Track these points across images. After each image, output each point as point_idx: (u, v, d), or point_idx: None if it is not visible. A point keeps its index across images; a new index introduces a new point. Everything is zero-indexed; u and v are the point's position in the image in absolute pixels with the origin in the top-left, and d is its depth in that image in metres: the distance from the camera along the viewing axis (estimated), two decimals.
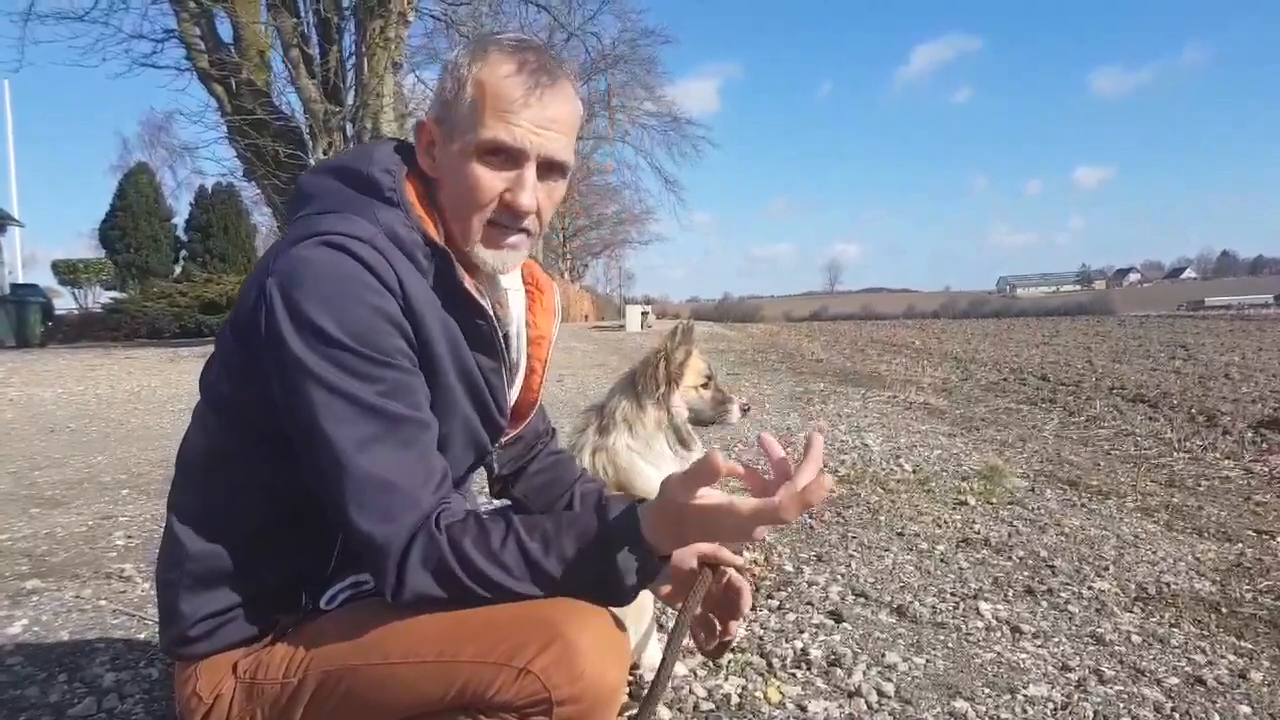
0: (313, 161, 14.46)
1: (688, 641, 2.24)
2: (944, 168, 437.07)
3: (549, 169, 1.29)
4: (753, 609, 2.74)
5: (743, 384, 10.46)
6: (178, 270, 31.10)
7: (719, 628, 1.43)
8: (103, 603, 2.84)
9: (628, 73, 36.47)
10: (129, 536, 3.68)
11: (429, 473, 1.18)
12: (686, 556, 1.44)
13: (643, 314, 28.24)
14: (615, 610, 1.99)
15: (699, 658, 2.35)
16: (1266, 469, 5.52)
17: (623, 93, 37.58)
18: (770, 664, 2.34)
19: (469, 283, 1.28)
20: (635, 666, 2.18)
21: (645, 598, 2.13)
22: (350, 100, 14.95)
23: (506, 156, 1.26)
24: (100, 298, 29.50)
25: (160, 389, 9.99)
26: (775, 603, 2.83)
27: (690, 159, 42.39)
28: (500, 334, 1.37)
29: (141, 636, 2.53)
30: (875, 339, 21.98)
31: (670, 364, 2.32)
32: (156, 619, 2.56)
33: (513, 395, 1.51)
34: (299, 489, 1.20)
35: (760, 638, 2.52)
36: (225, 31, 14.89)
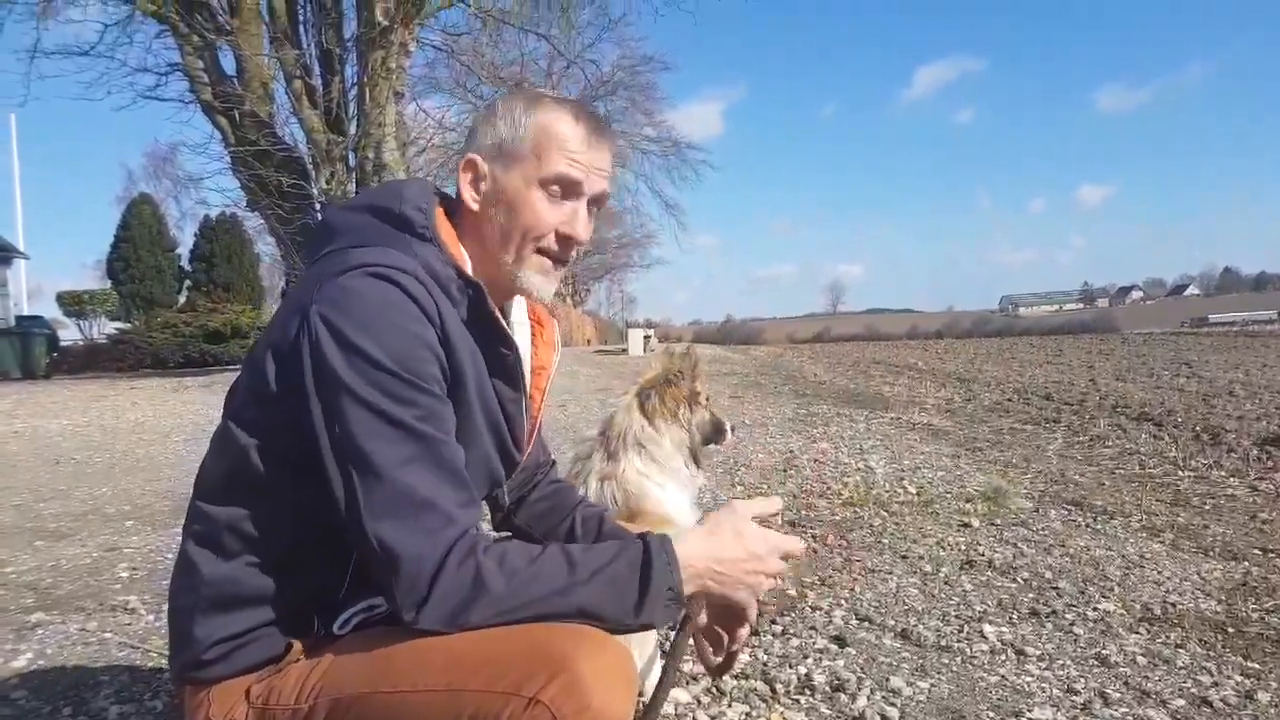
0: (315, 191, 14.60)
1: (693, 665, 2.24)
2: (947, 188, 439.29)
3: (594, 206, 1.43)
4: (756, 635, 2.74)
5: (746, 407, 10.46)
6: (182, 300, 31.26)
7: (725, 638, 1.47)
8: (108, 635, 2.84)
9: (627, 99, 36.92)
10: (133, 568, 3.69)
11: (463, 495, 1.22)
12: None
13: (645, 337, 28.30)
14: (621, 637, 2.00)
15: (703, 684, 2.35)
16: (1272, 486, 5.50)
17: (622, 119, 37.98)
18: (774, 690, 2.33)
19: (499, 314, 1.36)
20: (639, 693, 2.18)
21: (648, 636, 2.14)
22: (353, 130, 15.10)
23: (565, 191, 1.38)
24: (105, 328, 29.62)
25: (164, 420, 10.02)
26: (779, 628, 2.82)
27: (691, 182, 42.85)
28: (522, 365, 1.45)
29: (146, 669, 2.53)
30: (878, 360, 21.99)
31: (688, 383, 2.35)
32: (160, 651, 2.58)
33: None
34: (323, 512, 1.23)
35: (764, 663, 2.52)
36: (228, 64, 15.12)
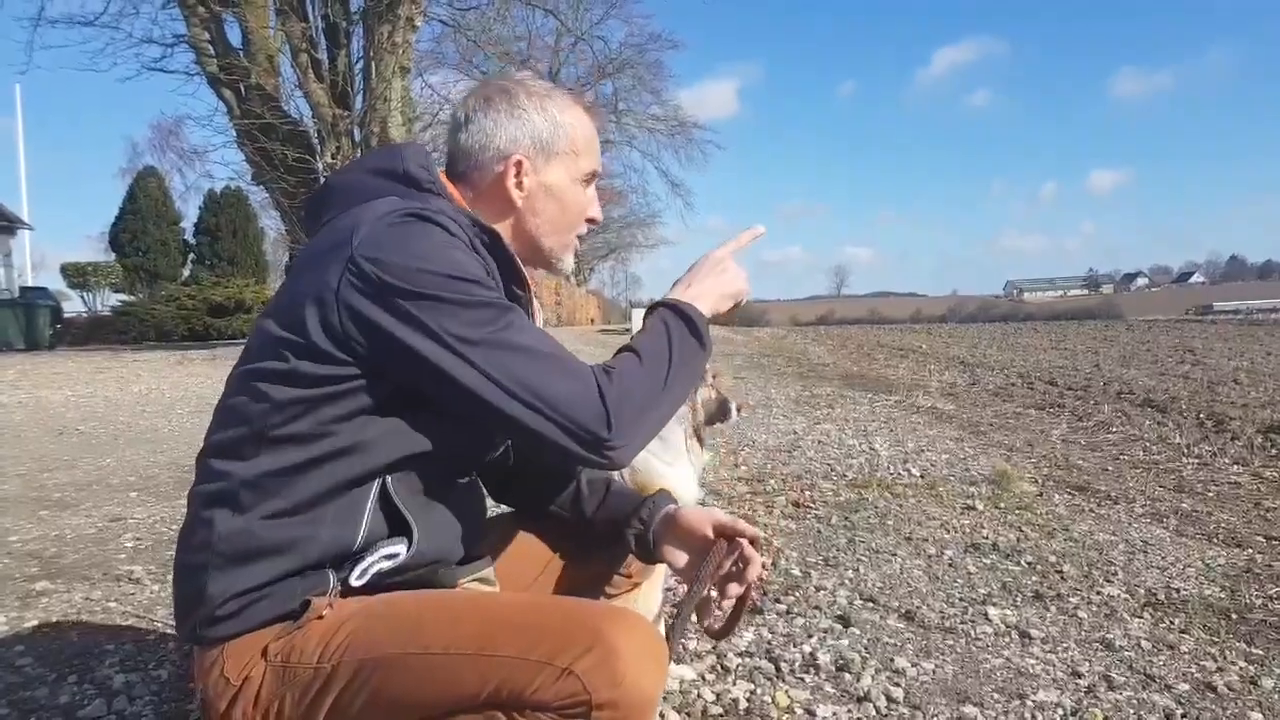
0: (321, 166, 14.54)
1: (697, 642, 2.26)
2: (959, 171, 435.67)
3: None
4: (760, 613, 2.74)
5: (749, 387, 10.46)
6: (186, 274, 31.25)
7: (722, 596, 1.52)
8: (112, 604, 2.85)
9: (634, 77, 36.66)
10: (138, 539, 3.70)
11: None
12: (702, 525, 1.54)
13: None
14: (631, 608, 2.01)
15: (708, 662, 2.35)
16: (1276, 474, 5.49)
17: (629, 97, 37.76)
18: (779, 668, 2.33)
19: (516, 256, 1.42)
20: None
21: (653, 602, 2.14)
22: (358, 104, 15.01)
23: (591, 180, 1.54)
24: (109, 301, 29.66)
25: (168, 392, 10.03)
26: (783, 607, 2.82)
27: (698, 163, 42.62)
28: (534, 308, 1.49)
29: (151, 638, 2.54)
30: (882, 343, 21.94)
31: None
32: (166, 622, 2.59)
33: None
34: (356, 456, 1.27)
35: (768, 642, 2.52)
36: (234, 36, 14.98)
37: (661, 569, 1.89)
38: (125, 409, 8.54)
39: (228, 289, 23.76)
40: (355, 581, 1.30)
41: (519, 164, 1.46)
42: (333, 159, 14.55)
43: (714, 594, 1.54)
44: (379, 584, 1.32)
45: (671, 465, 2.25)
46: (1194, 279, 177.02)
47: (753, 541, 1.50)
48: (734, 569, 1.49)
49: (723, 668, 2.33)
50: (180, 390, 10.13)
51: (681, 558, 1.56)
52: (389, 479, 1.31)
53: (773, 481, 4.88)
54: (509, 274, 1.40)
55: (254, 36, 14.75)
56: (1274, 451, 6.19)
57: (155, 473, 5.25)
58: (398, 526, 1.32)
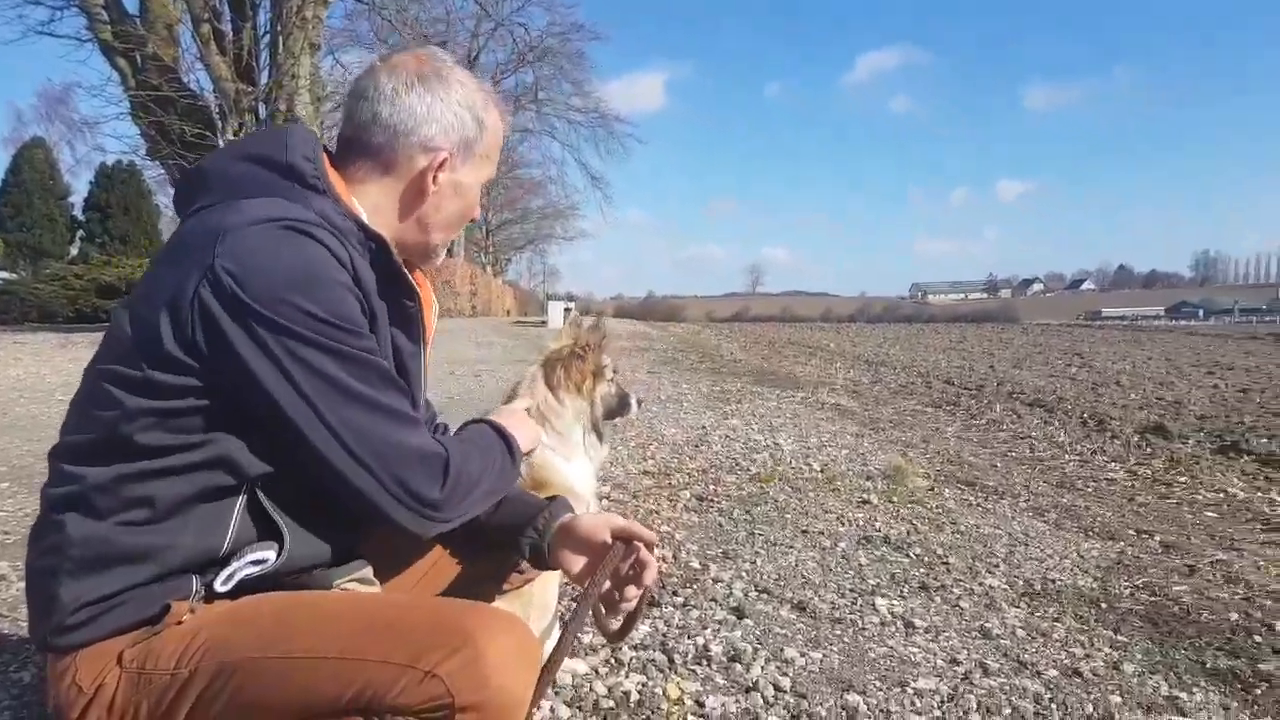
0: (222, 142, 13.96)
1: (592, 637, 2.25)
2: (878, 174, 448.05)
3: None
4: (657, 605, 2.76)
5: (662, 382, 10.52)
6: (74, 252, 29.58)
7: (619, 599, 1.51)
8: None
9: (555, 66, 36.36)
10: (5, 533, 3.49)
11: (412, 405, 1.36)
12: (599, 530, 1.53)
13: (566, 310, 28.10)
14: (520, 605, 1.99)
15: (602, 655, 2.36)
16: (1149, 472, 5.84)
17: (550, 86, 37.46)
18: (671, 660, 2.36)
19: (403, 266, 1.39)
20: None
21: (550, 596, 2.13)
22: (264, 80, 14.47)
23: (488, 185, 1.58)
24: None
25: (49, 377, 9.47)
26: (680, 599, 2.85)
27: (618, 156, 42.61)
28: (423, 317, 1.47)
29: (14, 639, 2.39)
30: (793, 341, 22.41)
31: (594, 356, 2.33)
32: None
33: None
34: (220, 464, 1.23)
35: (663, 634, 2.54)
36: (131, 2, 14.24)
37: None
38: (1, 394, 8.03)
39: (119, 269, 22.53)
40: (220, 587, 1.25)
41: (444, 161, 1.42)
42: (234, 135, 13.99)
43: (614, 595, 1.54)
44: (247, 589, 1.27)
45: (569, 460, 2.25)
46: (1085, 286, 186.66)
47: (649, 545, 1.50)
48: (630, 572, 1.50)
49: (617, 661, 2.34)
50: (62, 375, 9.58)
51: (577, 563, 1.54)
52: (259, 485, 1.27)
53: (679, 475, 4.92)
54: (396, 286, 1.37)
55: (152, 4, 14.06)
56: (1148, 450, 6.58)
57: (29, 463, 4.95)
58: (268, 531, 1.28)
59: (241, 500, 1.26)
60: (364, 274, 1.29)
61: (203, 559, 1.25)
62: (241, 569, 1.27)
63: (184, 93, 14.00)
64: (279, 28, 13.88)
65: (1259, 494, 5.19)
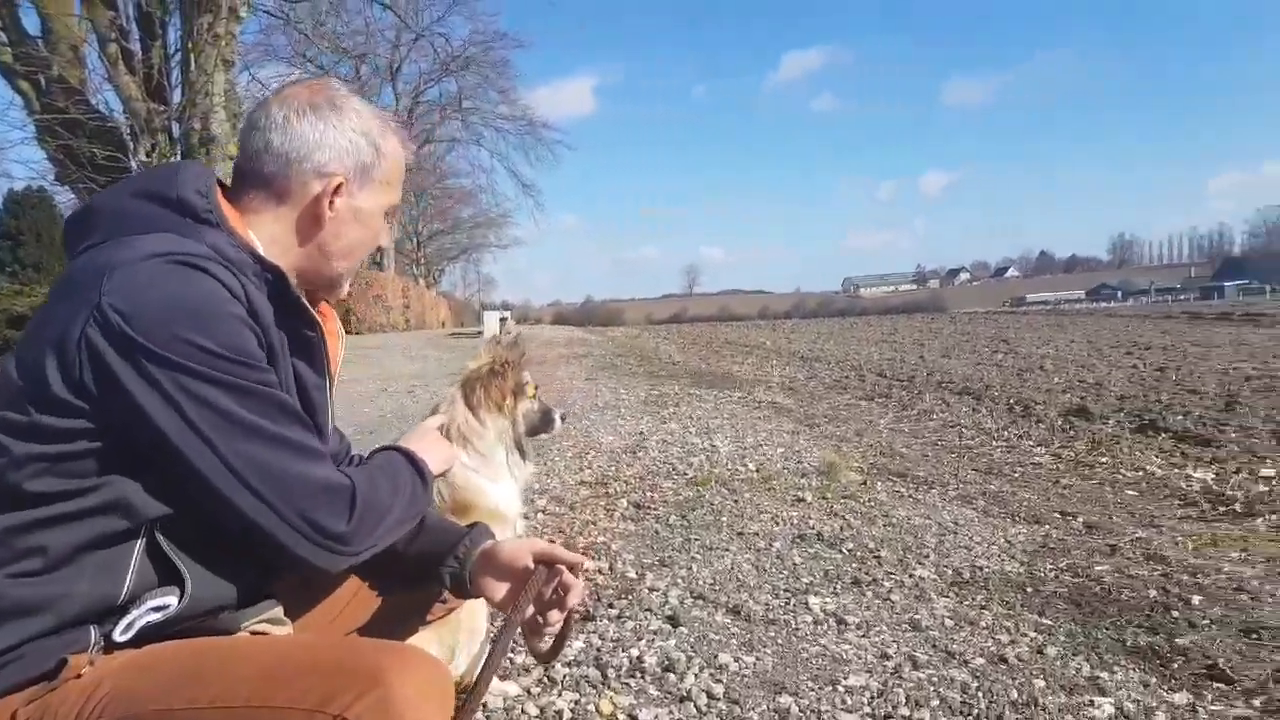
0: (135, 164, 13.52)
1: (525, 657, 2.22)
2: (808, 171, 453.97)
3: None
4: (592, 619, 2.75)
5: (600, 389, 10.51)
6: None
7: (543, 624, 1.49)
8: None
9: (480, 75, 36.16)
10: None
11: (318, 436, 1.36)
12: (521, 555, 1.50)
13: (501, 319, 27.87)
14: (448, 632, 1.96)
15: (535, 675, 2.34)
16: (1072, 454, 6.03)
17: (475, 95, 37.23)
18: (605, 675, 2.35)
19: (303, 296, 1.37)
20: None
21: (479, 620, 2.10)
22: (177, 99, 14.06)
23: (391, 215, 1.52)
24: None
25: None
26: (615, 611, 2.84)
27: (548, 163, 42.54)
28: (326, 347, 1.45)
29: None
30: (730, 340, 22.60)
31: (514, 374, 2.31)
32: None
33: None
34: (115, 508, 1.18)
35: (598, 649, 2.53)
36: (32, 23, 13.68)
37: None
38: None
39: (31, 298, 21.61)
40: (119, 637, 1.20)
41: (340, 186, 1.41)
42: (147, 157, 13.57)
43: (537, 620, 1.52)
44: (150, 636, 1.23)
45: (495, 481, 2.23)
46: (1010, 273, 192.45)
47: (573, 568, 1.49)
48: (554, 596, 1.48)
49: (549, 679, 2.32)
50: None
51: (500, 590, 1.51)
52: (158, 527, 1.22)
53: (616, 484, 4.92)
54: (296, 317, 1.35)
55: (55, 24, 13.52)
56: (1071, 433, 6.80)
57: None
58: (168, 575, 1.23)
59: (140, 544, 1.22)
60: (260, 306, 1.27)
61: (100, 608, 1.20)
62: (142, 616, 1.22)
63: (92, 115, 13.51)
64: (190, 45, 13.47)
65: (1176, 470, 5.40)
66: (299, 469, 1.24)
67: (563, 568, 1.47)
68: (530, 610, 1.48)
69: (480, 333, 26.88)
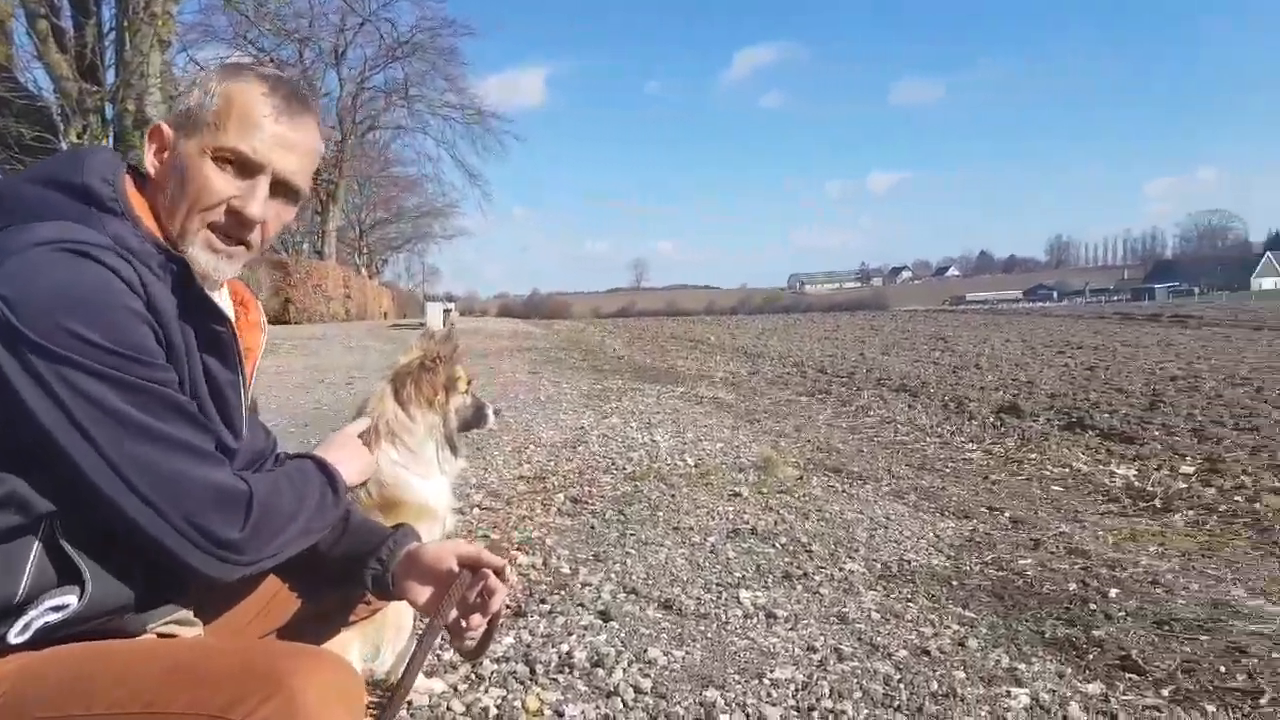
0: (64, 145, 13.06)
1: (453, 655, 2.21)
2: (757, 168, 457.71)
3: (282, 189, 1.36)
4: (524, 615, 2.74)
5: (542, 383, 10.46)
6: None
7: (466, 628, 1.47)
8: None
9: (426, 62, 35.61)
10: None
11: (213, 438, 1.30)
12: (445, 559, 1.47)
13: (445, 311, 27.53)
14: (373, 630, 1.94)
15: (461, 672, 2.32)
16: (1003, 450, 6.20)
17: (422, 83, 36.66)
18: (533, 671, 2.34)
19: (205, 290, 1.31)
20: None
21: (405, 617, 2.08)
22: (110, 79, 13.62)
23: (242, 167, 1.31)
24: None
25: None
26: (547, 607, 2.84)
27: (496, 153, 42.05)
28: (237, 342, 1.39)
29: None
30: (675, 335, 22.71)
31: (445, 368, 2.28)
32: None
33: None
34: (9, 503, 1.14)
35: (528, 645, 2.52)
36: None
37: None
38: None
39: None
40: (15, 638, 1.16)
41: (155, 130, 1.34)
42: (79, 137, 13.13)
43: (460, 624, 1.51)
44: (48, 638, 1.19)
45: (425, 478, 2.20)
46: (950, 272, 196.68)
47: (498, 571, 1.47)
48: (478, 600, 1.46)
49: (477, 676, 2.31)
50: None
51: (423, 593, 1.49)
52: (57, 523, 1.18)
53: (554, 478, 4.91)
54: (201, 310, 1.30)
55: None
56: (1003, 430, 6.98)
57: None
58: (68, 574, 1.19)
59: (38, 541, 1.17)
60: (161, 300, 1.22)
61: None
62: (39, 616, 1.18)
63: (20, 93, 13.00)
64: (125, 23, 13.08)
65: (1100, 467, 5.59)
66: (189, 472, 1.20)
67: (488, 571, 1.46)
68: (454, 614, 1.47)
69: (423, 324, 26.55)
